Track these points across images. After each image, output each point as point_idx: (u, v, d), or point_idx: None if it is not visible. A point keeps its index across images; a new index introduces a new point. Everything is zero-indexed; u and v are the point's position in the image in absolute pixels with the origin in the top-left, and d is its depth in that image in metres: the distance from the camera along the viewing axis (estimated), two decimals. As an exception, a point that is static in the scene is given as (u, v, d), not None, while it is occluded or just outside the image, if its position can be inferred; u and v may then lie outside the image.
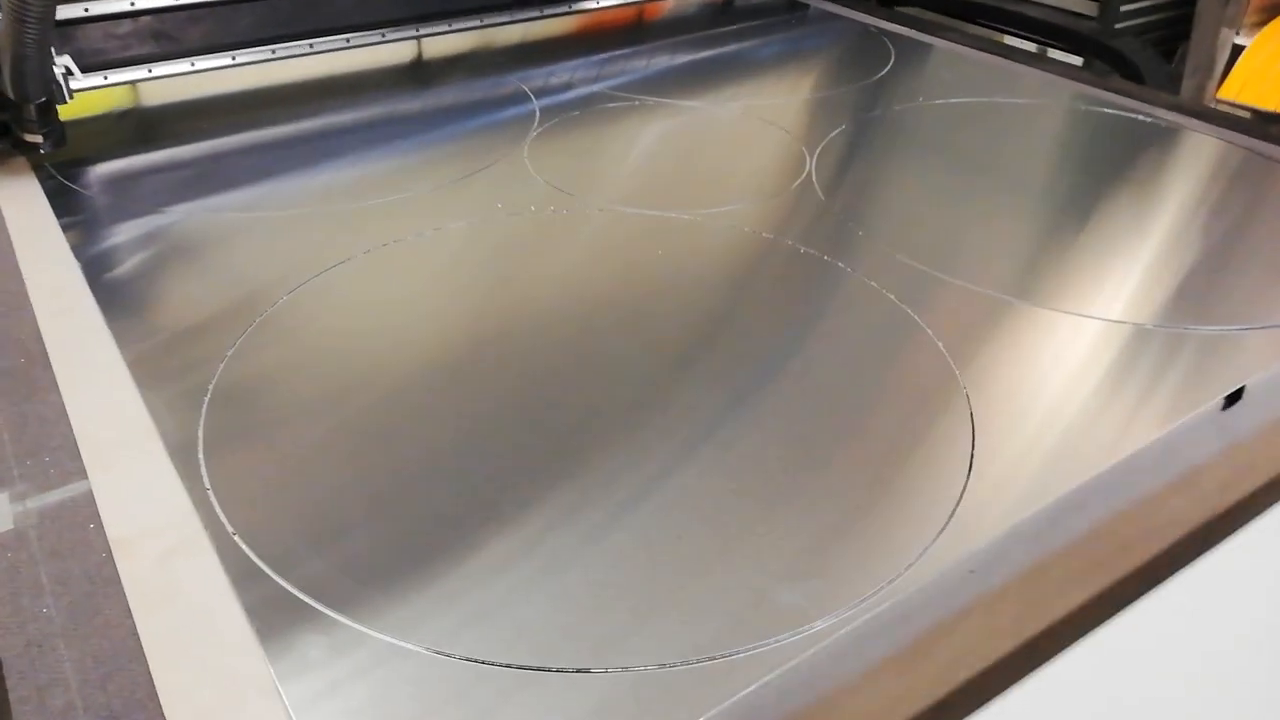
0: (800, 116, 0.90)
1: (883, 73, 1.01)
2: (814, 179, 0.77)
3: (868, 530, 0.45)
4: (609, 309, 0.61)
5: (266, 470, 0.48)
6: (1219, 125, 0.88)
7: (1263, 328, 0.59)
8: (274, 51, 0.87)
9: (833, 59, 1.09)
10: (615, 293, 0.63)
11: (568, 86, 0.94)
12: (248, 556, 0.42)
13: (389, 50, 0.98)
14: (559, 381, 0.55)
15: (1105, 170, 0.82)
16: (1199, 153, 0.85)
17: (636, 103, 0.91)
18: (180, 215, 0.70)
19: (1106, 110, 0.93)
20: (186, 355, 0.55)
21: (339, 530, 0.44)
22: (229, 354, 0.55)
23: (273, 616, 0.40)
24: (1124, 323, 0.60)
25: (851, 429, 0.51)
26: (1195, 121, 0.89)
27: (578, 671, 0.38)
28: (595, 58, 1.03)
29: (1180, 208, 0.76)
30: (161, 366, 0.54)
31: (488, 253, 0.67)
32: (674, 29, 1.15)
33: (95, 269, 0.62)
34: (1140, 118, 0.91)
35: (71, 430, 0.49)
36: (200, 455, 0.48)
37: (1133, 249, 0.69)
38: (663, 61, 1.04)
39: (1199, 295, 0.63)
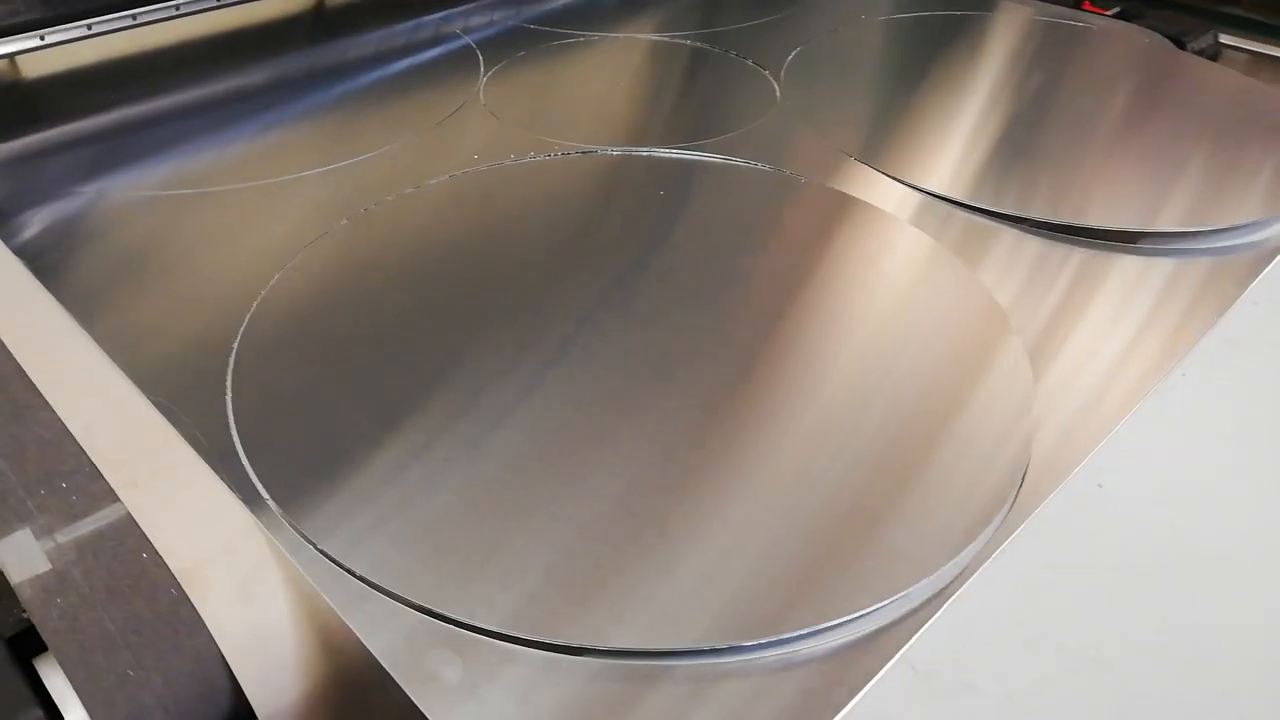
0: (752, 42, 0.87)
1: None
2: (786, 103, 0.75)
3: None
4: (632, 257, 0.58)
5: (325, 464, 0.42)
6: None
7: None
8: (178, 8, 0.78)
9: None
10: (632, 239, 0.59)
11: (502, 25, 0.88)
12: (343, 571, 0.38)
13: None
14: (600, 342, 0.51)
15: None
16: (1116, 46, 0.87)
17: (582, 39, 0.86)
18: (120, 197, 0.62)
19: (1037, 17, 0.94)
20: (186, 349, 0.49)
21: (431, 525, 0.40)
22: (236, 344, 0.49)
23: (404, 643, 0.35)
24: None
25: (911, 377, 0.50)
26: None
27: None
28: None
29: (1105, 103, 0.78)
30: (162, 364, 0.47)
31: (483, 206, 0.62)
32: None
33: (41, 264, 0.55)
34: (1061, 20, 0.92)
35: (81, 448, 0.42)
36: (244, 458, 0.42)
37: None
38: None
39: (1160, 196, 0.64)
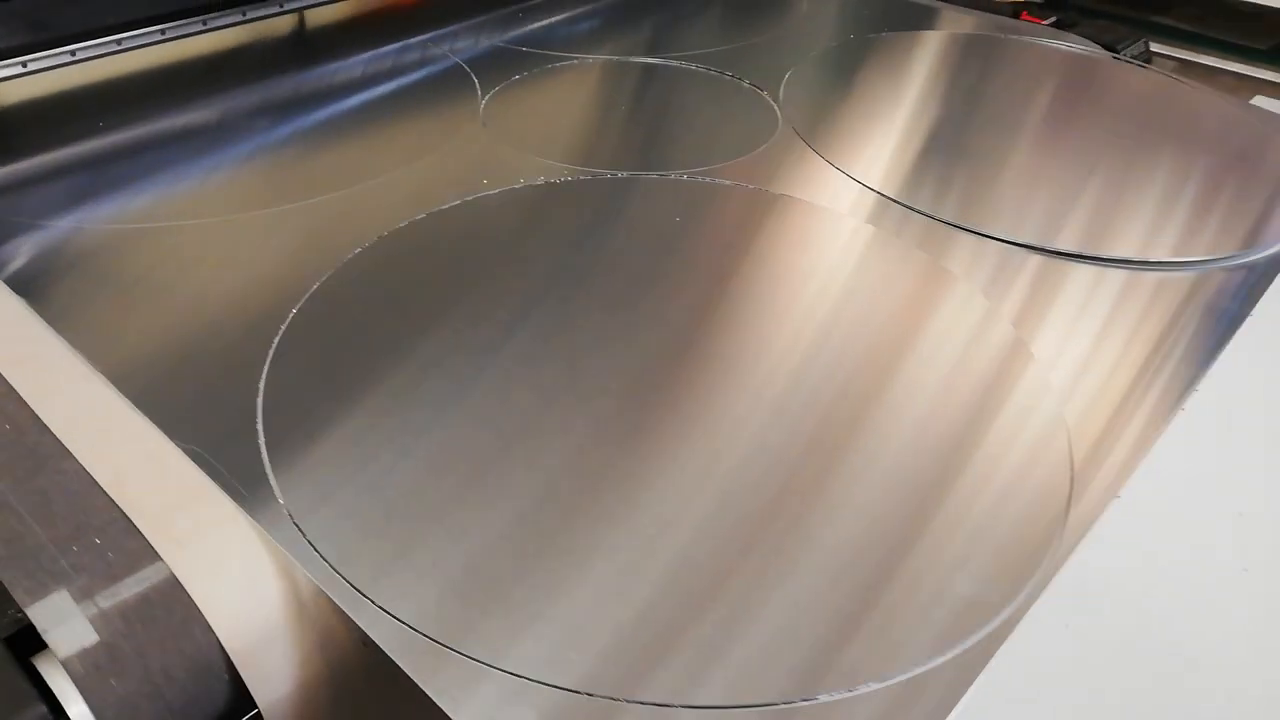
0: (745, 64, 0.86)
1: (803, 9, 0.99)
2: (789, 126, 0.74)
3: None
4: (657, 283, 0.57)
5: (377, 514, 0.41)
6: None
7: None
8: (164, 32, 0.75)
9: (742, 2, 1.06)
10: (653, 263, 0.58)
11: (490, 47, 0.87)
12: (423, 638, 0.36)
13: (286, 21, 0.87)
14: (623, 373, 0.50)
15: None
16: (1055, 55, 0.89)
17: (576, 61, 0.85)
18: (116, 229, 0.59)
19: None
20: (210, 389, 0.47)
21: (491, 576, 0.38)
22: (263, 383, 0.47)
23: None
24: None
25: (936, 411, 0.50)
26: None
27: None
28: (504, 12, 0.95)
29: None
30: (186, 407, 0.45)
31: (499, 230, 0.60)
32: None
33: (42, 304, 0.52)
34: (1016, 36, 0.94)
35: (111, 500, 0.40)
36: (285, 507, 0.40)
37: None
38: (577, 12, 0.98)
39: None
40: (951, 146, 0.73)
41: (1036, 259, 0.60)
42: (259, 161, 0.67)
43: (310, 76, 0.80)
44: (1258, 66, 1.29)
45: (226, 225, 0.59)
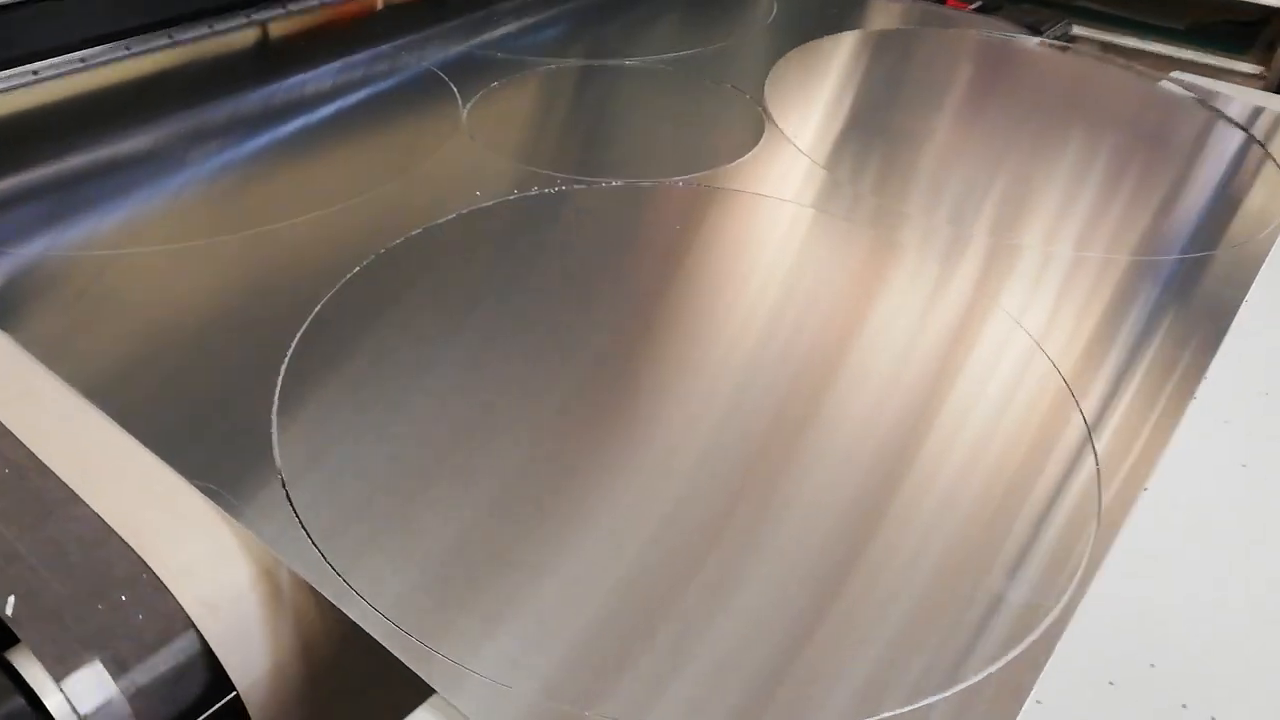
0: (724, 66, 0.86)
1: (774, 14, 0.98)
2: (776, 129, 0.74)
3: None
4: (673, 291, 0.56)
5: (422, 559, 0.39)
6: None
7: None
8: (129, 48, 0.72)
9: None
10: (663, 272, 0.57)
11: (462, 52, 0.85)
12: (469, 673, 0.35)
13: (253, 33, 0.84)
14: (652, 397, 0.49)
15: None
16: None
17: (554, 65, 0.83)
18: (96, 255, 0.56)
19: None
20: (220, 421, 0.44)
21: (555, 622, 0.37)
22: (275, 413, 0.45)
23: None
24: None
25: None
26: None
27: None
28: (472, 17, 0.94)
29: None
30: (196, 442, 0.43)
31: (501, 242, 0.59)
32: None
33: (28, 337, 0.49)
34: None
35: (132, 549, 0.38)
36: (326, 558, 0.38)
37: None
38: (544, 16, 0.96)
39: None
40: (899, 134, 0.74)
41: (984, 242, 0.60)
42: (241, 179, 0.65)
43: (282, 89, 0.78)
44: (1177, 46, 1.33)
45: (215, 247, 0.57)
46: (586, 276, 0.56)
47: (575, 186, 0.65)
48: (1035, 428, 0.47)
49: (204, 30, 0.77)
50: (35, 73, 0.68)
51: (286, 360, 0.48)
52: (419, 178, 0.65)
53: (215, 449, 0.43)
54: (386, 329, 0.51)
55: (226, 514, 0.39)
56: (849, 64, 0.88)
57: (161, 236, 0.58)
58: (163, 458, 0.41)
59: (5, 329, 0.49)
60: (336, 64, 0.83)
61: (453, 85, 0.78)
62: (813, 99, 0.81)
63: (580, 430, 0.45)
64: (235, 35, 0.82)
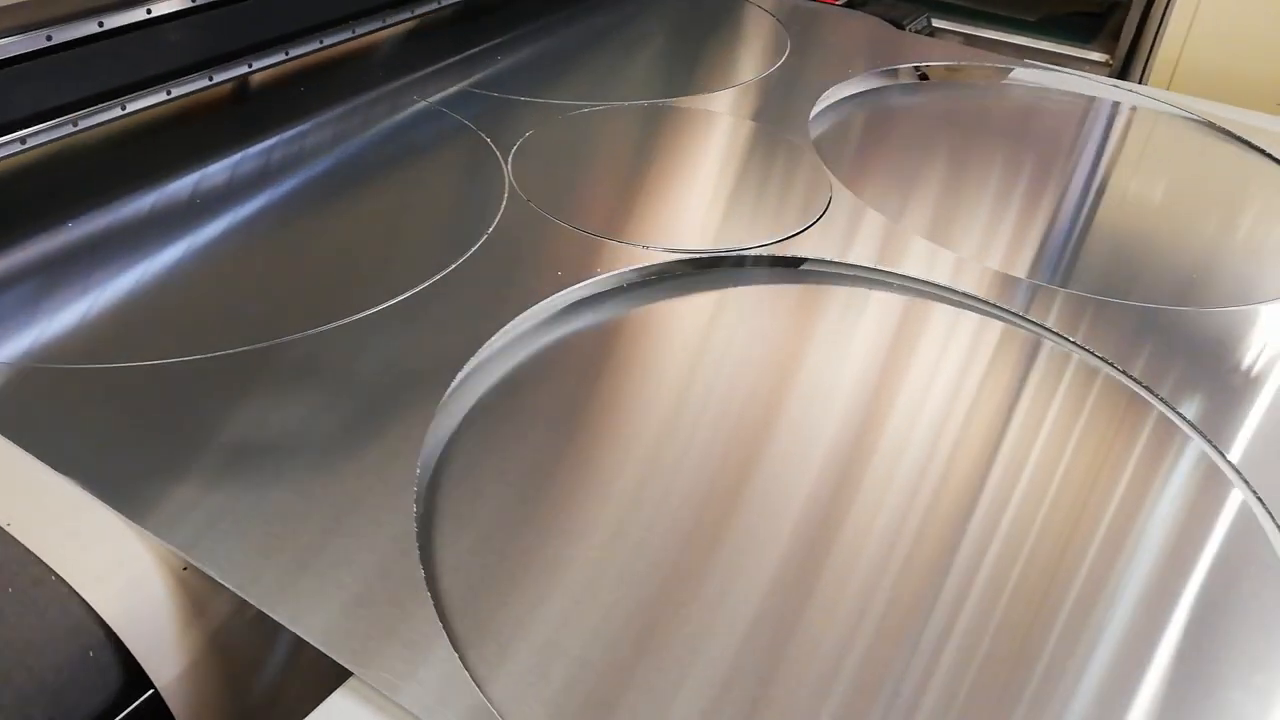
0: (768, 107, 0.85)
1: (786, 55, 0.97)
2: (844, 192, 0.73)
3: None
4: (795, 397, 0.56)
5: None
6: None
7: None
8: (125, 107, 0.64)
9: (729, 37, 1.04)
10: (781, 364, 0.58)
11: (465, 90, 0.81)
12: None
13: (262, 79, 0.76)
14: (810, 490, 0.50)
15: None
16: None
17: (587, 108, 0.80)
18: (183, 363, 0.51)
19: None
20: (359, 556, 0.42)
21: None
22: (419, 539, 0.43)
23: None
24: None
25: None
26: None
27: None
28: (469, 55, 0.88)
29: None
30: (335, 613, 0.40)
31: (620, 342, 0.58)
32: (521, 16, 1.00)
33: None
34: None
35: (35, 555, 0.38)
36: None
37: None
38: (552, 53, 0.92)
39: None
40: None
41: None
42: (287, 262, 0.60)
43: (304, 148, 0.71)
44: (1030, 37, 1.46)
45: (295, 345, 0.53)
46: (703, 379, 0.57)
47: (669, 261, 0.63)
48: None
49: (204, 82, 0.70)
50: (23, 142, 0.60)
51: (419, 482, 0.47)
52: (484, 258, 0.62)
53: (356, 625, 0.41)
54: (522, 454, 0.50)
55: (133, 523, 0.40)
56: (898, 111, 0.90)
57: (232, 339, 0.53)
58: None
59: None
60: (337, 109, 0.77)
61: (480, 133, 0.74)
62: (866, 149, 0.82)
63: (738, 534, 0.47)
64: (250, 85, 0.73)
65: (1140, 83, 1.34)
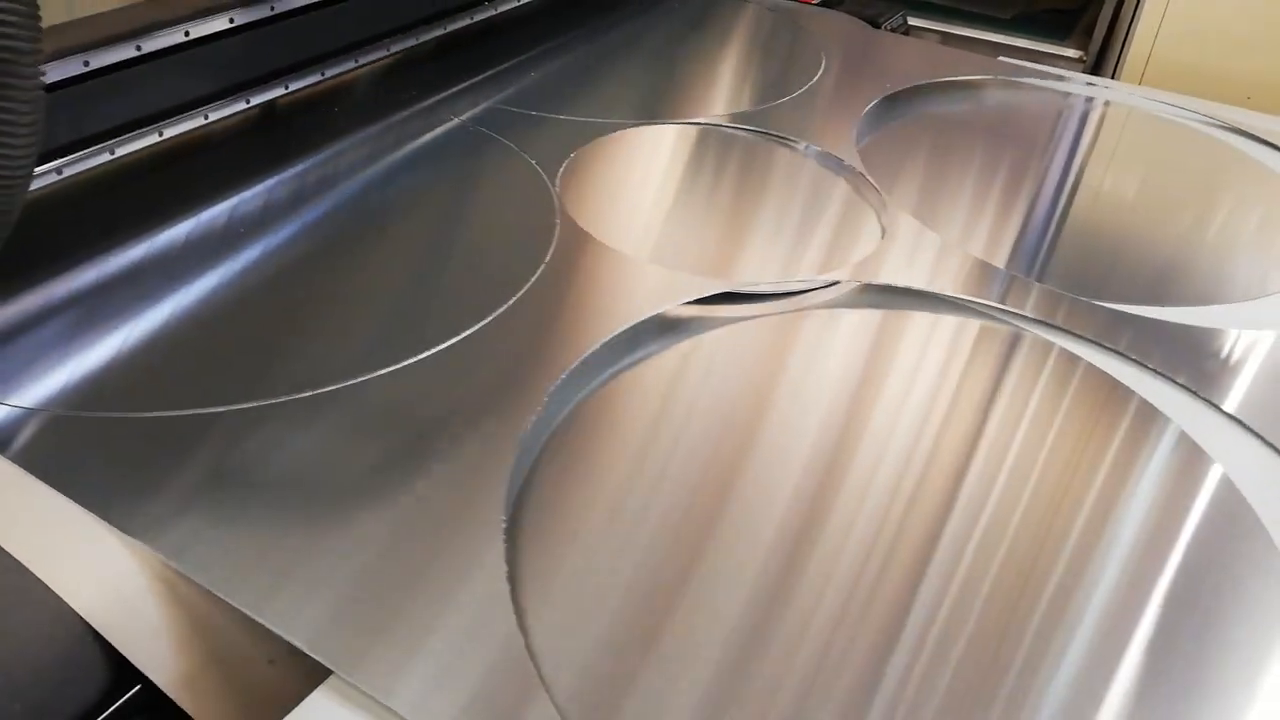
0: (808, 125, 0.84)
1: (820, 72, 0.95)
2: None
3: None
4: (862, 424, 0.56)
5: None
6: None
7: None
8: (162, 133, 0.61)
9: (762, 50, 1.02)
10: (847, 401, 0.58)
11: (500, 108, 0.78)
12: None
13: (290, 101, 0.73)
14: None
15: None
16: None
17: (631, 125, 0.79)
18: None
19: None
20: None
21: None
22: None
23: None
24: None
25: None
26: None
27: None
28: (532, 79, 0.86)
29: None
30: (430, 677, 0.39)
31: (694, 379, 0.57)
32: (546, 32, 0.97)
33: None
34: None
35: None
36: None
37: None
38: (577, 68, 0.90)
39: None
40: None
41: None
42: (344, 302, 0.58)
43: (341, 171, 0.68)
44: (1005, 34, 1.48)
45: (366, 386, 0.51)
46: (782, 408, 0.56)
47: (735, 308, 0.62)
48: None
49: (240, 104, 0.67)
50: (60, 173, 0.56)
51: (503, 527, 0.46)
52: (546, 293, 0.59)
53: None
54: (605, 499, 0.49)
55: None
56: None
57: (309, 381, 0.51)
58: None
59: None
60: (361, 132, 0.74)
61: (525, 154, 0.72)
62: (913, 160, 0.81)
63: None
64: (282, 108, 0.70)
65: (1113, 78, 1.36)
